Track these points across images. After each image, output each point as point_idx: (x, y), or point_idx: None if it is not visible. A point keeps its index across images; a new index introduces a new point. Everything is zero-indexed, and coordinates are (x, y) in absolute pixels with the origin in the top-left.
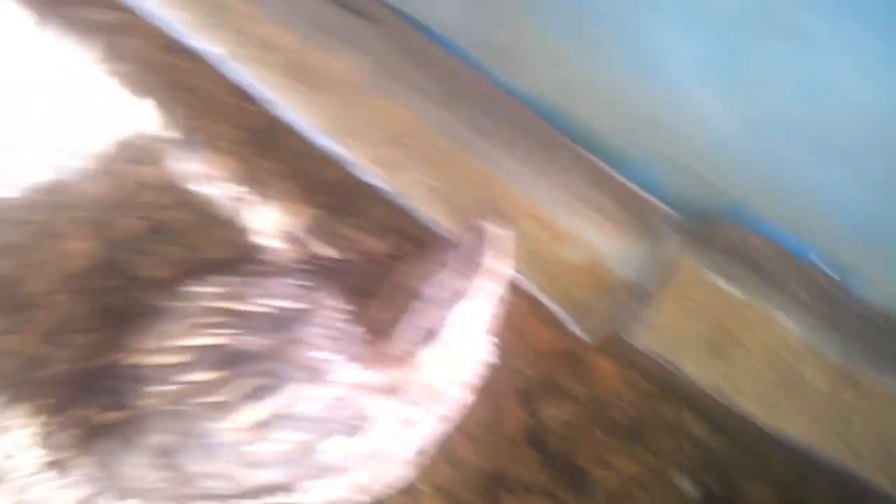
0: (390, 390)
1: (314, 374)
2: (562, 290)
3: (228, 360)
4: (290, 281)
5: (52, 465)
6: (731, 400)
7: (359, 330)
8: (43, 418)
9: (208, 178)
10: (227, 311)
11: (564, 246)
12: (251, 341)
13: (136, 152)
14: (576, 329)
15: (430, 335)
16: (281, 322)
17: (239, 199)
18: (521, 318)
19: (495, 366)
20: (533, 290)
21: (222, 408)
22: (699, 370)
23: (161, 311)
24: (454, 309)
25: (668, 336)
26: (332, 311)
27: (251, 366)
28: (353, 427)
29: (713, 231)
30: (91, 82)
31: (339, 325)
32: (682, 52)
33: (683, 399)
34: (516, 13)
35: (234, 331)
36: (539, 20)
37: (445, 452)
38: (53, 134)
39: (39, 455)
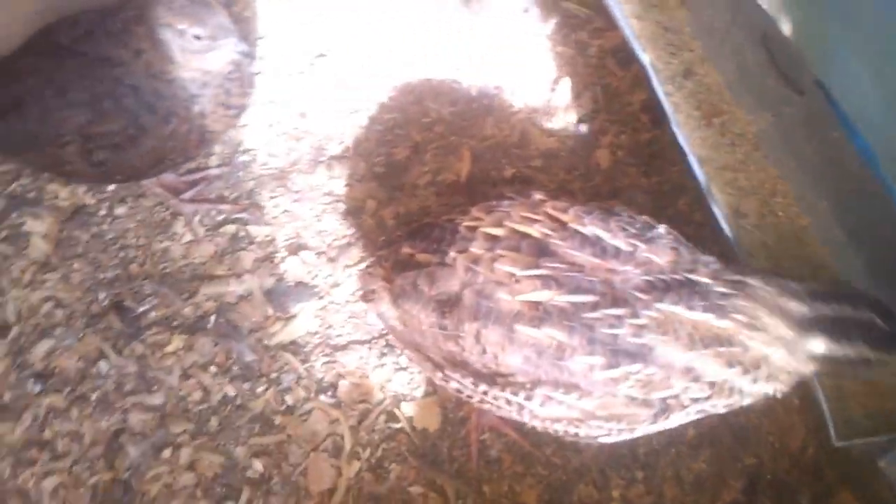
0: (715, 340)
1: (618, 300)
2: (842, 400)
3: (536, 250)
4: (628, 229)
5: (362, 295)
6: None
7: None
8: (372, 253)
9: (582, 163)
10: (555, 220)
11: None
12: (564, 250)
13: (535, 116)
14: (831, 431)
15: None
16: (601, 250)
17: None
18: (788, 413)
19: (741, 441)
20: (816, 391)
21: (513, 280)
22: None
23: (503, 199)
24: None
25: None
26: (661, 266)
27: (553, 262)
28: (617, 356)
29: None
30: (532, 53)
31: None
32: None
33: None
34: None
35: (553, 234)
36: None
37: (652, 482)
38: (481, 73)
39: (355, 289)
